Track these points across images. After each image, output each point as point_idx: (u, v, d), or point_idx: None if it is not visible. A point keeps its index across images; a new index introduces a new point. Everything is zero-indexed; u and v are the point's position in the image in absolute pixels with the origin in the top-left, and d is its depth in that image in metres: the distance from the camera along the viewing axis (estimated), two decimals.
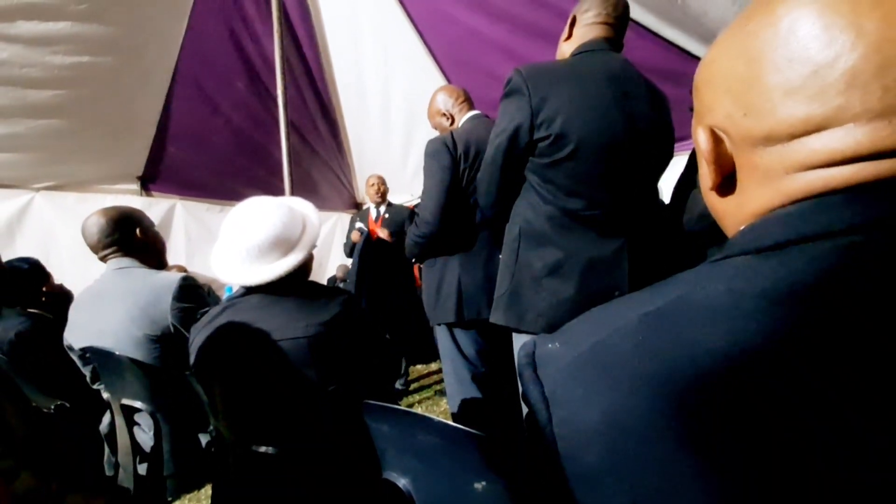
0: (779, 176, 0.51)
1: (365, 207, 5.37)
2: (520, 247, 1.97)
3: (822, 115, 0.47)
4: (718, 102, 0.57)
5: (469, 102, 2.77)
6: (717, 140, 0.57)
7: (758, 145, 0.53)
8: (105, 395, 2.39)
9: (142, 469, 2.28)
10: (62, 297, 3.76)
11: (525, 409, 0.56)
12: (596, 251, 1.88)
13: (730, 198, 0.59)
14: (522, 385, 0.56)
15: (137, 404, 2.23)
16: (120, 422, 2.31)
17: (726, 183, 0.58)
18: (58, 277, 3.90)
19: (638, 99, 1.88)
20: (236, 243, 1.68)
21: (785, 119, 0.50)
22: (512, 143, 1.89)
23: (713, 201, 0.63)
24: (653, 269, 1.92)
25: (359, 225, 5.05)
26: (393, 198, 5.37)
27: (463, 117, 2.69)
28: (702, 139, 0.57)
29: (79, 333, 2.36)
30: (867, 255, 0.43)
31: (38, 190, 4.49)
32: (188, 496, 2.97)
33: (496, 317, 2.04)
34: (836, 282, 0.42)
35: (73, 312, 2.41)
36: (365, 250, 4.84)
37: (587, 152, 1.81)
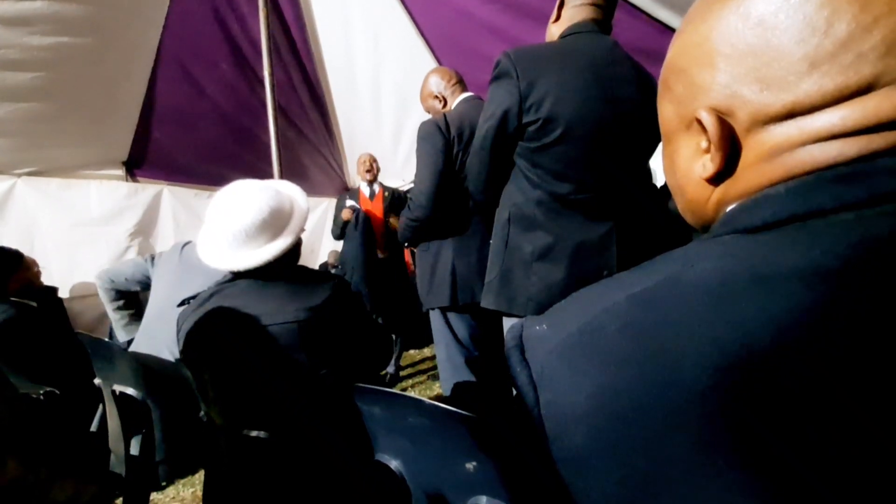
0: (793, 148, 0.50)
1: (355, 187, 5.31)
2: (509, 231, 1.98)
3: (857, 83, 0.46)
4: (717, 81, 0.55)
5: (462, 84, 2.77)
6: (721, 122, 0.54)
7: (773, 121, 0.51)
8: (96, 381, 2.41)
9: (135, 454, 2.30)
10: (47, 290, 3.77)
11: (513, 392, 0.56)
12: (585, 235, 1.90)
13: (720, 184, 0.57)
14: (510, 367, 0.56)
15: (129, 390, 2.24)
16: (111, 407, 2.31)
17: (725, 168, 0.56)
18: (42, 265, 3.91)
19: (626, 82, 1.89)
20: (222, 228, 1.68)
21: (813, 91, 0.48)
22: (501, 128, 1.90)
23: (696, 190, 0.61)
24: (642, 252, 1.93)
25: (349, 203, 4.99)
26: (384, 183, 5.35)
27: (456, 99, 2.69)
28: (708, 122, 0.54)
29: None
30: (870, 232, 0.42)
31: (19, 176, 4.45)
32: (181, 481, 2.98)
33: (487, 301, 2.06)
34: (829, 260, 0.41)
35: None
36: (366, 228, 4.81)
37: (575, 136, 1.82)
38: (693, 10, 0.60)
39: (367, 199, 5.09)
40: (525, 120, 1.85)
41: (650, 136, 1.96)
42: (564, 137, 1.82)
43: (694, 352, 0.42)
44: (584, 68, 1.84)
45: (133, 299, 2.97)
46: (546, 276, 1.89)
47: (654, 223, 2.01)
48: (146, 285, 2.82)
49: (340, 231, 5.03)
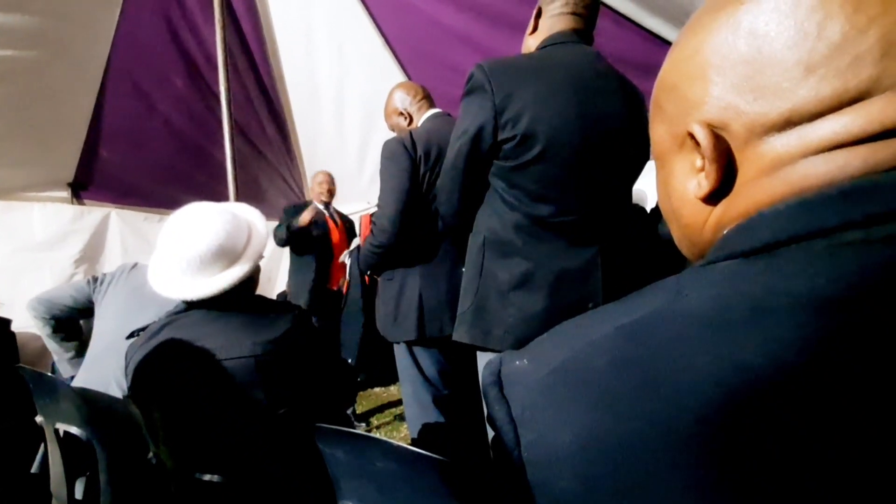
0: (794, 161, 0.50)
1: (311, 203, 4.98)
2: (484, 258, 1.94)
3: (856, 86, 0.46)
4: (710, 94, 0.55)
5: (429, 100, 2.76)
6: (716, 136, 0.54)
7: (770, 132, 0.51)
8: (38, 420, 2.34)
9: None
10: None
11: (491, 433, 0.55)
12: (567, 261, 1.86)
13: (718, 203, 0.57)
14: (487, 406, 0.54)
15: (73, 430, 2.18)
16: (53, 448, 2.25)
17: (721, 186, 0.56)
18: None
19: (610, 95, 1.87)
20: (175, 254, 1.66)
21: (811, 97, 0.48)
22: (474, 146, 1.86)
23: (692, 213, 0.60)
24: (629, 280, 1.92)
25: (356, 243, 4.81)
26: (348, 206, 5.28)
27: (422, 116, 2.68)
28: (701, 135, 0.55)
29: None
30: (879, 255, 0.41)
31: None
32: None
33: (459, 334, 2.01)
34: (836, 289, 0.41)
35: None
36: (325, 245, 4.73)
37: (556, 154, 1.79)
38: (684, 28, 0.60)
39: (331, 220, 4.97)
40: (501, 137, 1.82)
41: (637, 154, 1.95)
42: (544, 155, 1.79)
43: (689, 388, 0.41)
44: (564, 81, 1.81)
45: (75, 329, 2.86)
46: (524, 307, 1.85)
47: (642, 248, 1.99)
48: (89, 311, 2.71)
49: (286, 237, 4.70)
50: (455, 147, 1.93)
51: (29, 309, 2.71)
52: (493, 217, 1.93)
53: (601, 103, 1.84)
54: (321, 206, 4.93)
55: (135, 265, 2.72)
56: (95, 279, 2.75)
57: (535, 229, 1.87)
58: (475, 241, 2.00)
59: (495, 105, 1.80)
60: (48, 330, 2.72)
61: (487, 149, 1.86)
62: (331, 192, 4.98)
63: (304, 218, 4.58)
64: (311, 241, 4.75)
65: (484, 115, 1.82)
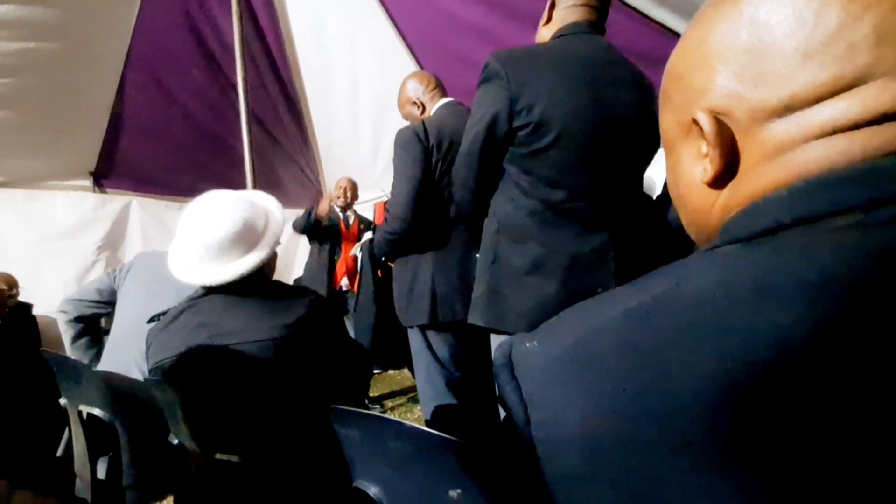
0: (795, 146, 0.50)
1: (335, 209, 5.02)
2: (499, 243, 1.94)
3: (852, 72, 0.47)
4: (714, 82, 0.56)
5: (441, 89, 2.75)
6: (719, 122, 0.55)
7: (771, 118, 0.51)
8: (62, 402, 2.36)
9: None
10: (20, 307, 3.72)
11: (502, 413, 0.55)
12: (580, 247, 1.87)
13: (723, 188, 0.57)
14: (499, 387, 0.54)
15: (96, 411, 2.20)
16: (77, 429, 2.27)
17: (725, 171, 0.56)
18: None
19: (622, 85, 1.88)
20: (194, 241, 1.66)
21: (809, 83, 0.49)
22: (490, 133, 1.87)
23: (699, 198, 0.61)
24: (640, 266, 1.91)
25: (367, 237, 4.67)
26: (363, 195, 5.26)
27: (434, 105, 2.67)
28: (704, 121, 0.55)
29: None
30: (881, 238, 0.41)
31: None
32: None
33: (474, 317, 2.02)
34: (838, 272, 0.40)
35: None
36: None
37: (569, 141, 1.80)
38: (692, 20, 0.61)
39: (344, 226, 4.96)
40: (516, 124, 1.82)
41: (647, 142, 1.95)
42: (558, 142, 1.80)
43: (695, 369, 0.41)
44: (577, 70, 1.82)
45: (96, 334, 2.86)
46: (538, 291, 1.86)
47: (652, 234, 1.99)
48: (112, 302, 2.73)
49: (305, 225, 4.81)
50: (471, 134, 1.93)
51: (59, 312, 2.72)
52: (508, 203, 1.93)
53: (613, 92, 1.85)
54: (337, 209, 4.93)
55: (151, 253, 2.73)
56: (115, 270, 2.76)
57: (548, 215, 1.87)
58: (490, 226, 2.00)
59: (510, 93, 1.80)
60: (72, 332, 2.72)
61: (502, 135, 1.86)
62: (347, 198, 4.96)
63: (323, 207, 4.68)
64: (322, 231, 4.80)
65: (499, 103, 1.83)
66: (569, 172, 1.84)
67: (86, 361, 2.78)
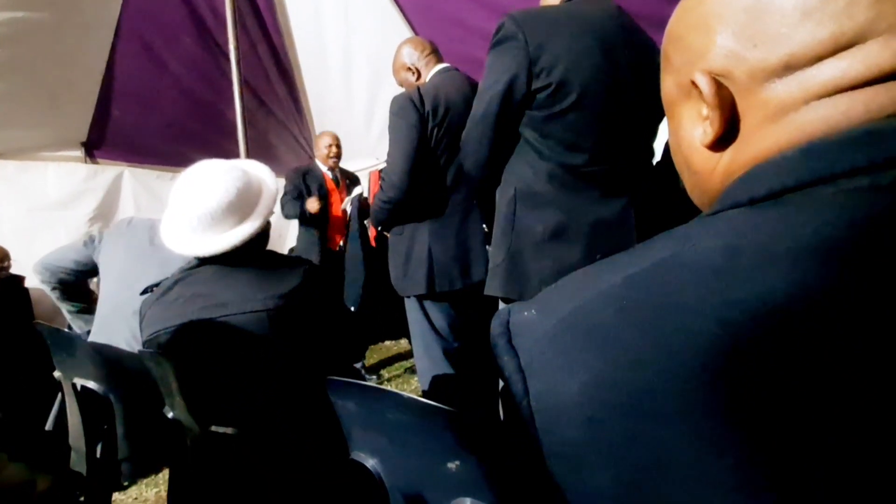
0: (797, 107, 0.49)
1: (315, 165, 4.93)
2: (516, 210, 1.92)
3: (852, 29, 0.46)
4: (713, 43, 0.55)
5: (437, 55, 2.72)
6: (718, 84, 0.54)
7: (771, 78, 0.51)
8: (56, 374, 2.36)
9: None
10: (11, 279, 3.71)
11: (500, 384, 0.54)
12: (601, 211, 1.86)
13: (725, 150, 0.57)
14: (496, 356, 0.53)
15: (90, 384, 2.20)
16: (71, 402, 2.28)
17: (726, 133, 0.55)
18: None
19: (633, 48, 1.87)
20: (187, 211, 1.65)
21: (808, 41, 0.48)
22: (507, 96, 1.84)
23: (701, 161, 0.60)
24: (659, 230, 1.90)
25: (357, 192, 4.72)
26: (357, 162, 5.22)
27: (430, 71, 2.65)
28: (702, 83, 0.54)
29: None
30: (886, 200, 0.41)
31: None
32: (144, 481, 2.96)
33: (492, 288, 1.99)
34: (844, 238, 0.40)
35: None
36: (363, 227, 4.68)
37: (590, 102, 1.79)
38: None
39: (333, 184, 4.86)
40: (535, 86, 1.80)
41: (656, 107, 1.93)
42: (579, 104, 1.78)
43: (698, 335, 0.40)
44: (591, 33, 1.81)
45: (83, 291, 2.83)
46: (561, 258, 1.84)
47: (665, 198, 1.97)
48: (95, 271, 2.65)
49: (297, 211, 4.63)
50: (485, 98, 1.90)
51: (35, 273, 2.69)
52: (526, 168, 1.91)
53: (625, 55, 1.84)
54: (326, 170, 4.84)
55: (130, 221, 2.66)
56: (92, 239, 2.68)
57: (568, 178, 1.86)
58: (505, 193, 1.97)
59: (529, 54, 1.78)
60: (57, 294, 2.69)
61: (521, 98, 1.83)
62: (338, 156, 4.86)
63: (313, 207, 4.53)
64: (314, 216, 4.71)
65: (517, 65, 1.80)
66: (588, 134, 1.83)
67: (82, 314, 2.77)
